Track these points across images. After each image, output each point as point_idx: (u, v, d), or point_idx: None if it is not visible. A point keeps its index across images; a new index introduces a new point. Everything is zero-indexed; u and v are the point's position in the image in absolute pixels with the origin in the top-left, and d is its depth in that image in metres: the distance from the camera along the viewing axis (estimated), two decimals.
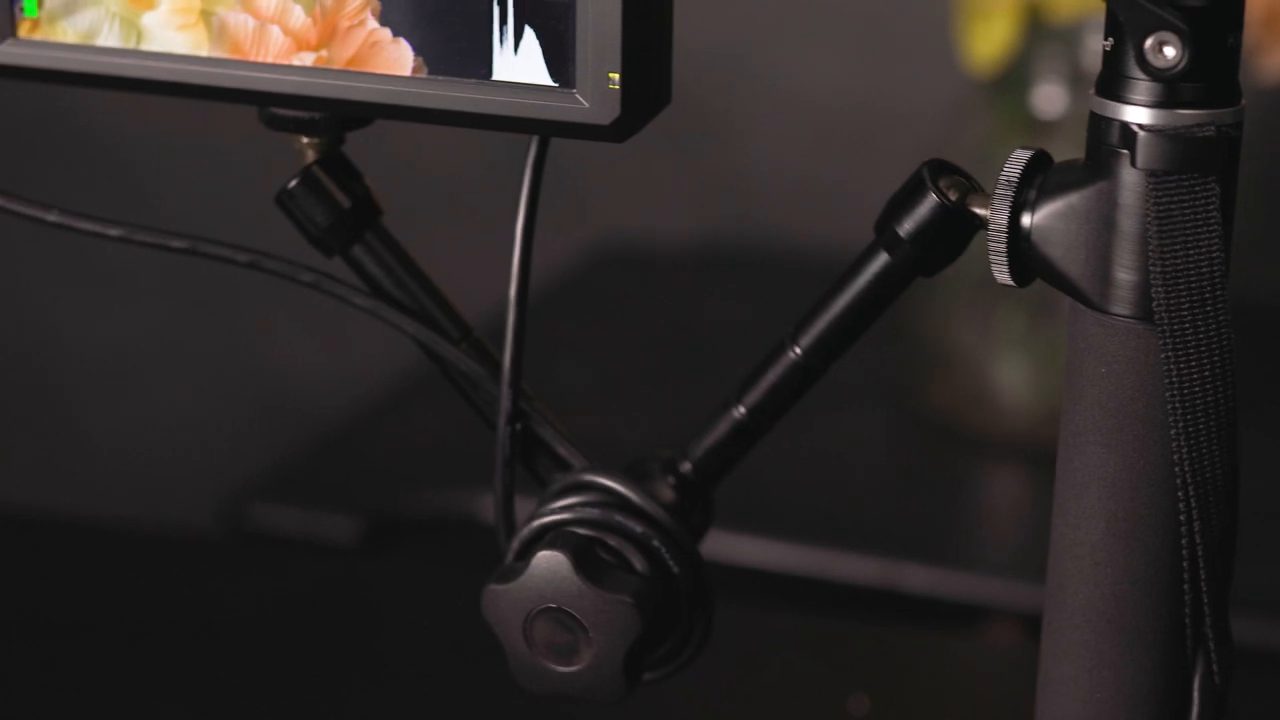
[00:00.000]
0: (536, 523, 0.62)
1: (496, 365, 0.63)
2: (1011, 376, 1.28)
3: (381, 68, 0.58)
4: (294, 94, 0.59)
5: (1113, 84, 0.54)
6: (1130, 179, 0.54)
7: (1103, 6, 0.53)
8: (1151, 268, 0.54)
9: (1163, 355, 0.54)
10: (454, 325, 0.64)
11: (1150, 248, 0.54)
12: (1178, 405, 0.54)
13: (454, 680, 0.89)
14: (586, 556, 0.60)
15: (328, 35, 0.58)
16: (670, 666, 0.64)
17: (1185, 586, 0.56)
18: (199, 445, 1.88)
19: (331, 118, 0.61)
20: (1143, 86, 0.54)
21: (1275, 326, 1.36)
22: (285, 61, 0.59)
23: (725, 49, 1.58)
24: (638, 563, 0.61)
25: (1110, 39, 0.54)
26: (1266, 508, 0.88)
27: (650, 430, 1.26)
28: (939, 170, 0.60)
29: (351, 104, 0.59)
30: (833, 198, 1.63)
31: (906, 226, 0.59)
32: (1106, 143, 0.55)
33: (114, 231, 0.62)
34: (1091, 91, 0.55)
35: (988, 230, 0.57)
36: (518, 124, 0.58)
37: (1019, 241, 0.57)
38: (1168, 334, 0.53)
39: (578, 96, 0.56)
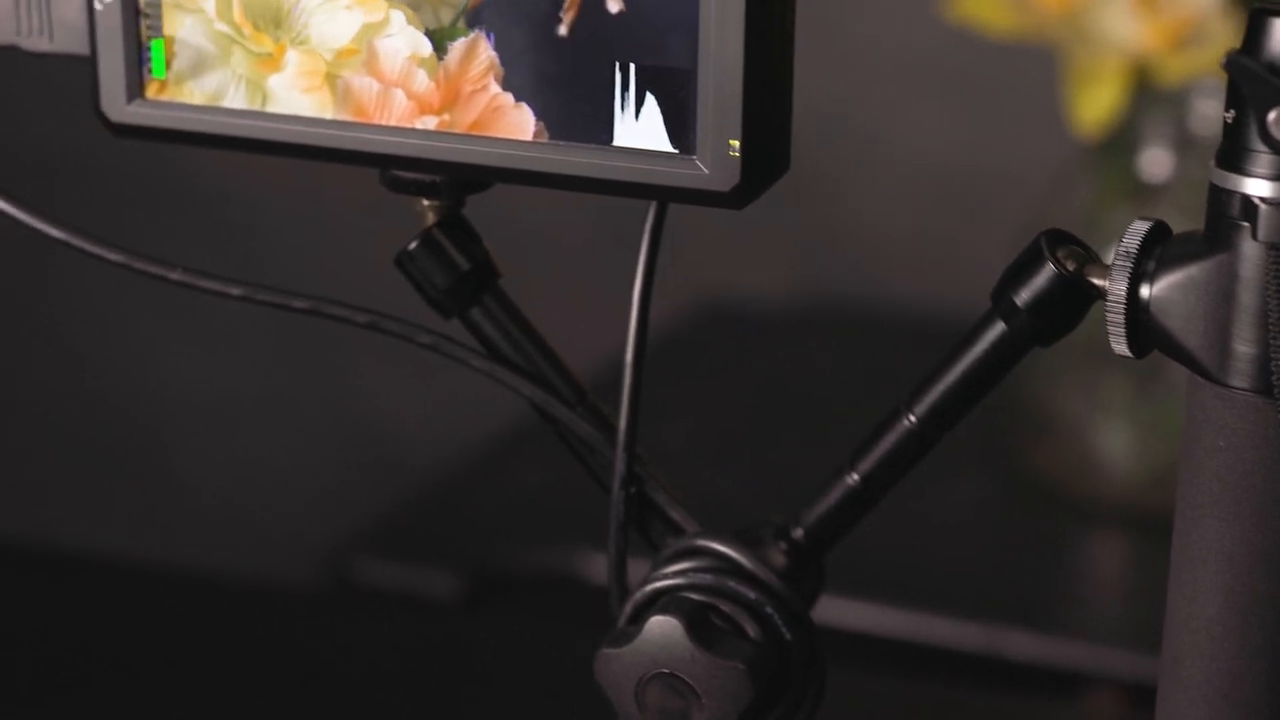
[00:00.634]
0: (650, 587, 0.62)
1: (611, 429, 0.64)
2: (1117, 443, 1.27)
3: (503, 132, 0.58)
4: (416, 157, 0.59)
5: (1234, 156, 0.54)
6: (1251, 252, 0.54)
7: (1210, 70, 0.53)
8: (1272, 341, 0.53)
9: None
10: (569, 388, 0.64)
11: (1270, 321, 0.53)
12: None
13: None
14: (700, 622, 0.60)
15: (450, 99, 0.59)
16: None
17: None
18: (301, 497, 1.89)
19: (452, 181, 0.62)
20: (1265, 160, 0.53)
21: None
22: (408, 125, 0.59)
23: (829, 106, 1.58)
24: (750, 629, 0.61)
25: (1231, 111, 0.54)
26: None
27: (756, 491, 1.26)
28: (1057, 240, 0.59)
29: (473, 168, 0.59)
30: (936, 258, 1.63)
31: (1024, 296, 0.59)
32: (1227, 215, 0.55)
33: (236, 291, 0.63)
34: (1211, 163, 0.55)
35: (1106, 301, 0.57)
36: (637, 190, 0.58)
37: (1137, 313, 0.56)
38: None
39: (698, 163, 0.57)
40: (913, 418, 0.62)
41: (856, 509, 0.64)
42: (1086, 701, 1.14)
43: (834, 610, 1.15)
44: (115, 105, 0.62)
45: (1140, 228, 0.57)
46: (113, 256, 0.63)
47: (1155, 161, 1.27)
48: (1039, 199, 1.31)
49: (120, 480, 1.98)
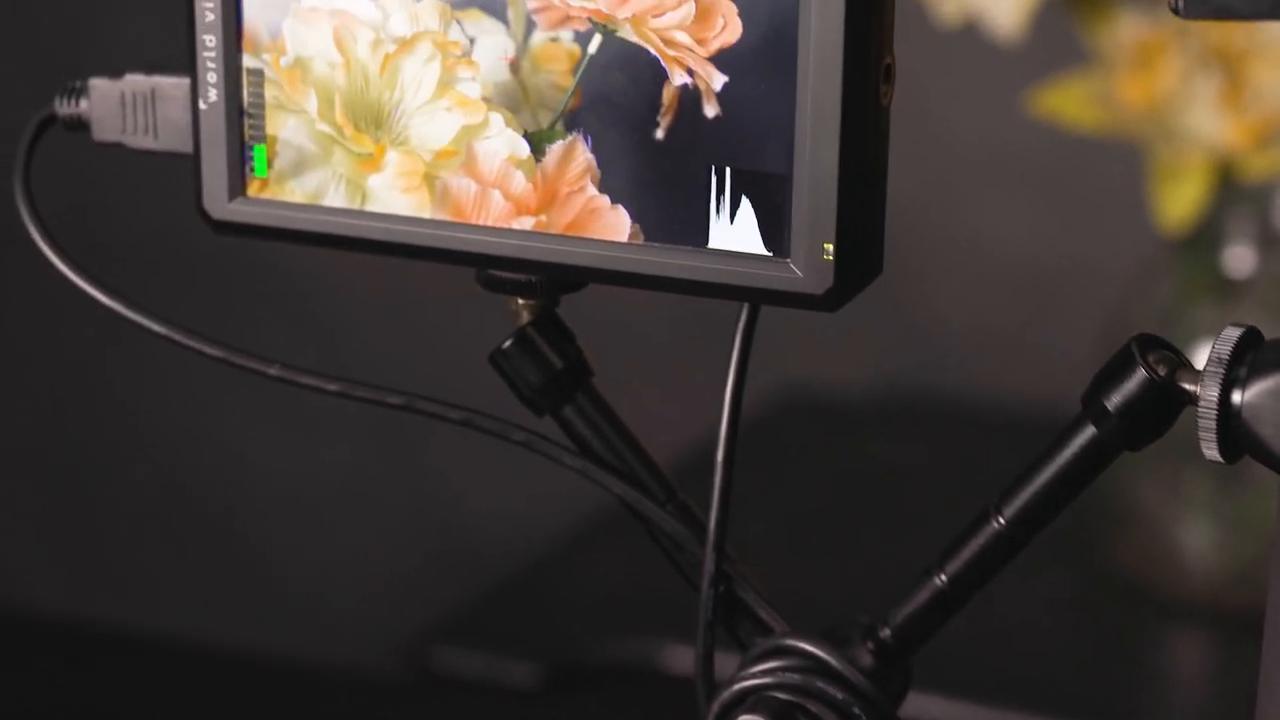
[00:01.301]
0: (737, 686, 0.62)
1: (701, 527, 0.64)
2: (1198, 539, 1.27)
3: (599, 233, 0.59)
4: (512, 257, 0.60)
5: None
6: None
7: None
8: None
9: None
10: (660, 486, 0.65)
11: None
12: None
13: None
14: None
15: (548, 200, 0.59)
16: None
17: None
18: (381, 585, 1.89)
19: (548, 281, 0.62)
20: None
21: None
22: (505, 225, 0.60)
23: (914, 198, 1.58)
24: None
25: None
26: None
27: (840, 584, 1.26)
28: (1148, 345, 0.60)
29: (569, 269, 0.60)
30: (1018, 351, 1.63)
31: (1115, 401, 0.59)
32: None
33: (333, 387, 0.64)
34: None
35: (1197, 407, 0.57)
36: (731, 292, 0.58)
37: (1229, 419, 0.56)
38: None
39: (792, 266, 0.57)
40: (1002, 520, 0.62)
41: (944, 610, 0.64)
42: None
43: (917, 706, 1.15)
44: (217, 203, 0.63)
45: (1232, 334, 0.57)
46: (212, 352, 0.64)
47: (1238, 258, 1.27)
48: (1122, 294, 1.31)
49: (203, 566, 1.99)
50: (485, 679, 1.21)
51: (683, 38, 0.57)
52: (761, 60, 0.56)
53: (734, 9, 0.56)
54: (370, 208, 0.61)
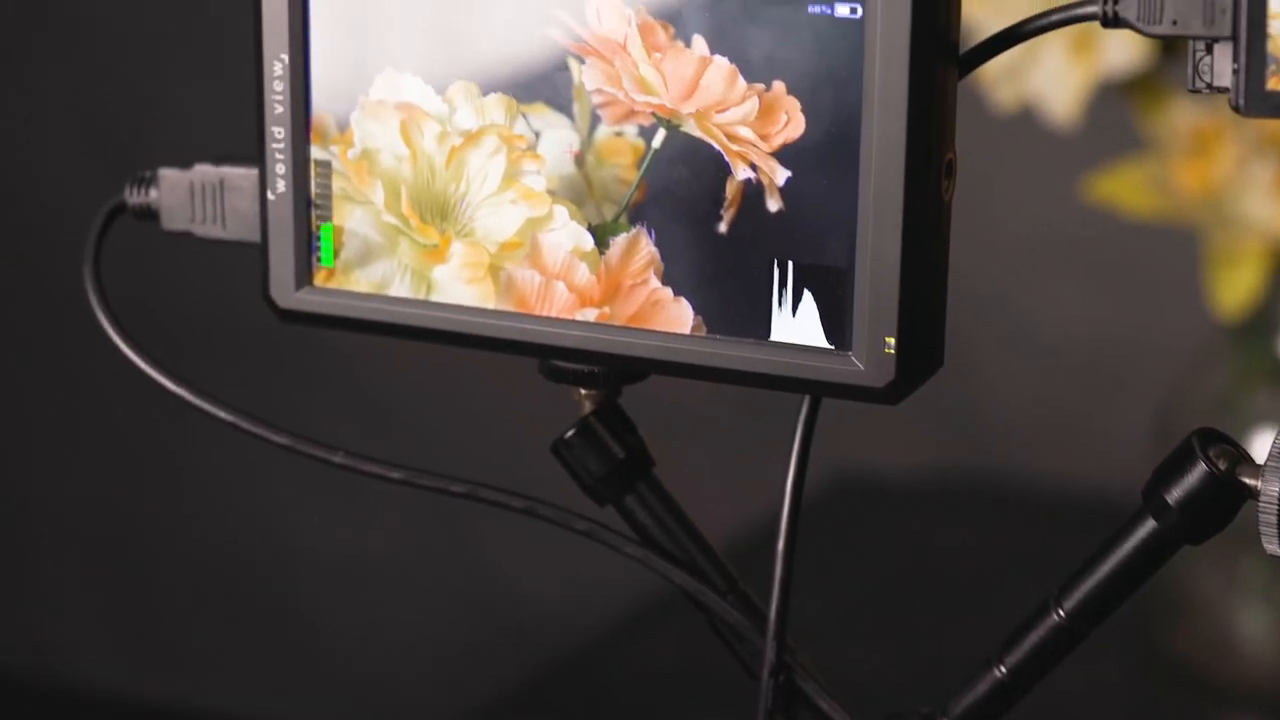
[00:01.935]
0: None
1: (761, 617, 0.64)
2: (1255, 626, 1.26)
3: (662, 325, 0.60)
4: (576, 348, 0.61)
5: None
6: None
7: None
8: None
9: None
10: (720, 576, 0.65)
11: None
12: None
13: None
14: None
15: (611, 292, 0.60)
16: None
17: None
18: (434, 664, 1.90)
19: (610, 372, 0.63)
20: None
21: None
22: (568, 317, 0.61)
23: (969, 282, 1.58)
24: None
25: None
26: None
27: (895, 670, 1.26)
28: (1208, 439, 0.60)
29: (631, 360, 0.60)
30: (1074, 435, 1.63)
31: (1175, 495, 0.59)
32: None
33: (396, 475, 0.64)
34: None
35: (1258, 501, 0.57)
36: (792, 384, 0.59)
37: None
38: None
39: (853, 359, 0.58)
40: (1062, 613, 0.62)
41: (1003, 701, 0.64)
42: None
43: None
44: (284, 292, 0.64)
45: None
46: (277, 439, 0.65)
47: None
48: (1179, 379, 1.31)
49: (258, 643, 2.00)
50: None
51: (746, 133, 0.57)
52: (824, 156, 0.57)
53: (797, 105, 0.57)
54: (435, 298, 0.62)
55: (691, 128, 0.58)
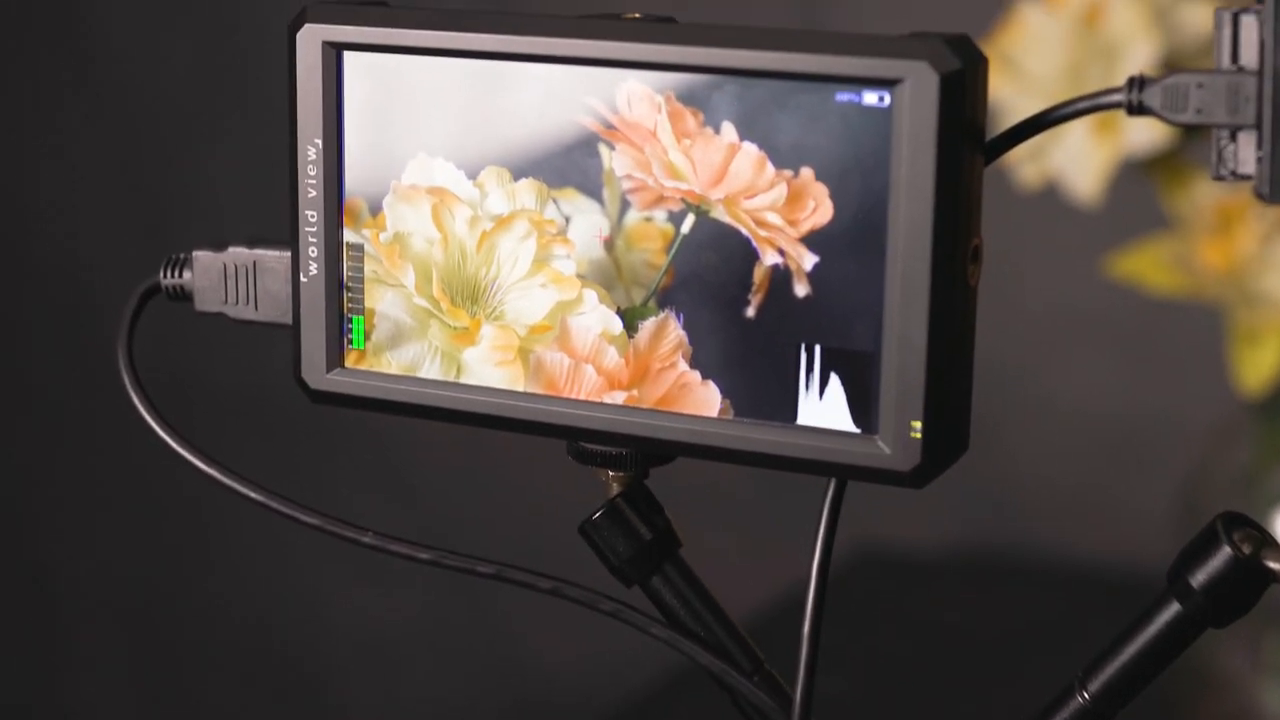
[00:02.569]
0: None
1: (787, 699, 0.64)
2: (1278, 705, 1.26)
3: (690, 408, 0.60)
4: (604, 431, 0.61)
5: None
6: None
7: None
8: None
9: None
10: (746, 658, 0.65)
11: None
12: None
13: None
14: None
15: (639, 375, 0.61)
16: None
17: None
18: None
19: (638, 453, 0.63)
20: None
21: None
22: (597, 399, 0.61)
23: (992, 357, 1.59)
24: None
25: None
26: None
27: None
28: (1233, 523, 0.60)
29: (659, 443, 0.61)
30: (1096, 510, 1.63)
31: (1200, 578, 0.60)
32: None
33: (425, 555, 0.65)
34: None
35: None
36: (818, 467, 0.59)
37: None
38: None
39: (879, 443, 0.58)
40: (1086, 695, 0.63)
41: None
42: None
43: None
44: (315, 373, 0.64)
45: None
46: (307, 519, 0.65)
47: None
48: (1202, 456, 1.31)
49: (279, 714, 2.00)
50: None
51: (774, 219, 0.58)
52: (852, 241, 0.57)
53: (825, 191, 0.57)
54: (465, 380, 0.63)
55: (720, 213, 0.59)
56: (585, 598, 0.64)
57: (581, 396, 0.61)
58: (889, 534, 1.65)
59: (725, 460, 0.60)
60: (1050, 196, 1.26)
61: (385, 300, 0.63)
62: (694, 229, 0.59)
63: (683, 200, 0.59)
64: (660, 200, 0.59)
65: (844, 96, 0.57)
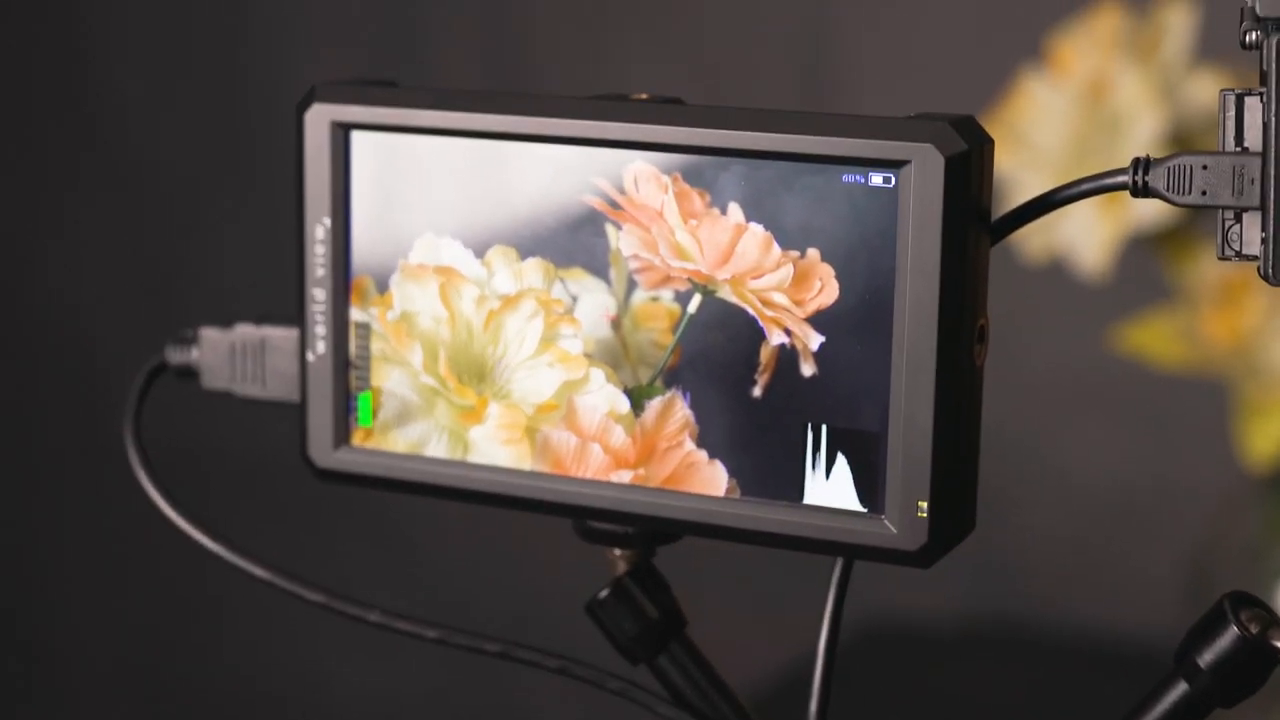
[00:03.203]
0: None
1: None
2: None
3: (696, 488, 0.60)
4: (611, 509, 0.61)
5: None
6: None
7: None
8: None
9: None
10: None
11: None
12: None
13: None
14: None
15: (646, 454, 0.61)
16: None
17: None
18: None
19: (645, 532, 0.63)
20: None
21: None
22: (604, 478, 0.61)
23: (1000, 428, 1.59)
24: None
25: None
26: None
27: None
28: (1240, 603, 0.60)
29: (666, 522, 0.61)
30: (1103, 581, 1.62)
31: (1207, 658, 0.60)
32: None
33: (431, 634, 0.65)
34: None
35: None
36: (825, 546, 0.59)
37: None
38: None
39: (886, 523, 0.58)
40: None
41: None
42: None
43: None
44: (322, 451, 0.64)
45: None
46: (313, 597, 0.65)
47: None
48: (1209, 528, 1.31)
49: None
50: None
51: (781, 299, 0.58)
52: (858, 322, 0.57)
53: (831, 272, 0.57)
54: (471, 459, 0.63)
55: (727, 293, 0.59)
56: (592, 676, 0.64)
57: (588, 475, 0.61)
58: (896, 604, 1.65)
59: (732, 539, 0.60)
60: (1057, 269, 1.26)
61: (392, 379, 0.63)
62: (700, 309, 0.59)
63: (689, 280, 0.59)
64: (667, 280, 0.60)
65: (850, 178, 0.57)
